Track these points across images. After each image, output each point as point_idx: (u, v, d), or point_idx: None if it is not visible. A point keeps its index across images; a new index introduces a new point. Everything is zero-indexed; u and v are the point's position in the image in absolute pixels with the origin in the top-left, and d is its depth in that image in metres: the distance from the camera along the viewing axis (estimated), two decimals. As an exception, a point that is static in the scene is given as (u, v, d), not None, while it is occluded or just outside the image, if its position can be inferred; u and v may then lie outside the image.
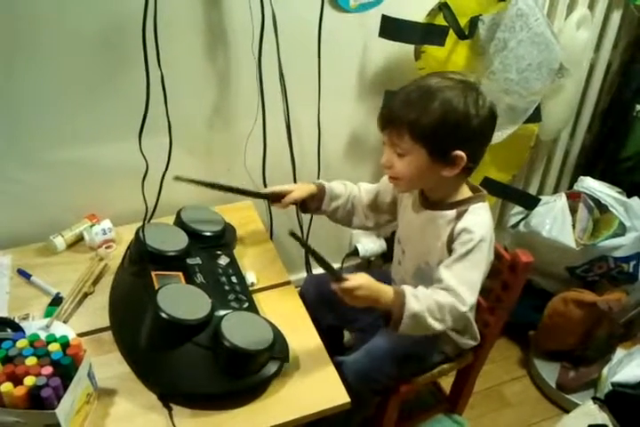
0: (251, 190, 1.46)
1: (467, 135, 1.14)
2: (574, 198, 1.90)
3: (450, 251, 1.21)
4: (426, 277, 1.31)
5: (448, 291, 1.16)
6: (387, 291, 1.16)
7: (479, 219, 1.21)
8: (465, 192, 1.25)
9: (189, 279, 1.27)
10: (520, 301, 1.41)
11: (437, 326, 1.15)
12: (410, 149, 1.15)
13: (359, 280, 1.13)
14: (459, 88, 1.13)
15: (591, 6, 1.80)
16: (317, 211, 1.43)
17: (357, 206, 1.43)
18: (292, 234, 1.09)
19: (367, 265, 2.13)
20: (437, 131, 1.12)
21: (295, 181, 1.72)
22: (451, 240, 1.21)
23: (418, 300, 1.14)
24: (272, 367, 1.15)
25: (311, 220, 1.84)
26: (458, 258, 1.18)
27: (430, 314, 1.14)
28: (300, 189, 1.40)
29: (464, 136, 1.14)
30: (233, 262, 1.39)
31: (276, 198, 1.41)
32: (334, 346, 1.36)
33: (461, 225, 1.19)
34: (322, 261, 1.11)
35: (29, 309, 1.35)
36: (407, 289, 1.16)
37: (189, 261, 1.32)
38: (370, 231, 2.07)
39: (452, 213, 1.23)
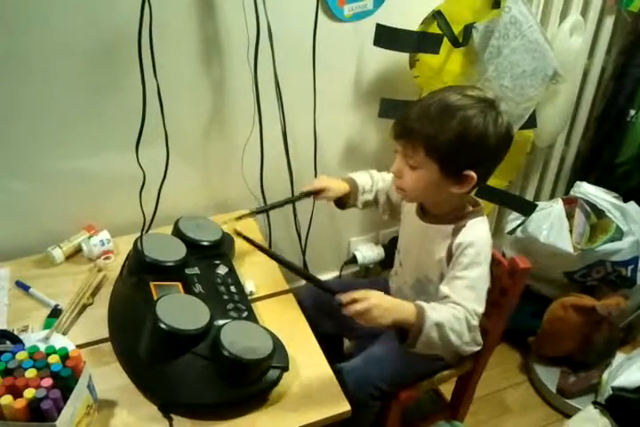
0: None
1: (482, 156, 1.15)
2: (571, 204, 1.91)
3: (448, 265, 1.22)
4: (425, 289, 1.31)
5: (459, 305, 1.14)
6: (404, 305, 1.12)
7: (477, 234, 1.21)
8: (465, 206, 1.26)
9: (188, 289, 1.27)
10: (519, 306, 1.41)
11: (455, 339, 1.13)
12: (423, 164, 1.15)
13: (371, 301, 1.07)
14: (479, 107, 1.11)
15: (584, 13, 1.81)
16: (352, 206, 1.47)
17: (380, 199, 1.47)
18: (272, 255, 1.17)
19: (365, 273, 2.13)
20: (453, 150, 1.12)
21: (292, 190, 1.73)
22: (449, 256, 1.21)
23: (437, 311, 1.12)
24: (272, 376, 1.15)
25: (309, 228, 1.84)
26: (459, 273, 1.18)
27: (449, 325, 1.11)
28: (335, 190, 1.43)
29: (479, 157, 1.14)
30: (231, 272, 1.39)
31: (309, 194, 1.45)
32: (334, 354, 1.35)
33: (459, 240, 1.20)
34: (311, 280, 1.14)
35: (28, 321, 1.34)
36: (424, 304, 1.13)
37: (188, 271, 1.32)
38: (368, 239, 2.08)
39: (449, 228, 1.23)
